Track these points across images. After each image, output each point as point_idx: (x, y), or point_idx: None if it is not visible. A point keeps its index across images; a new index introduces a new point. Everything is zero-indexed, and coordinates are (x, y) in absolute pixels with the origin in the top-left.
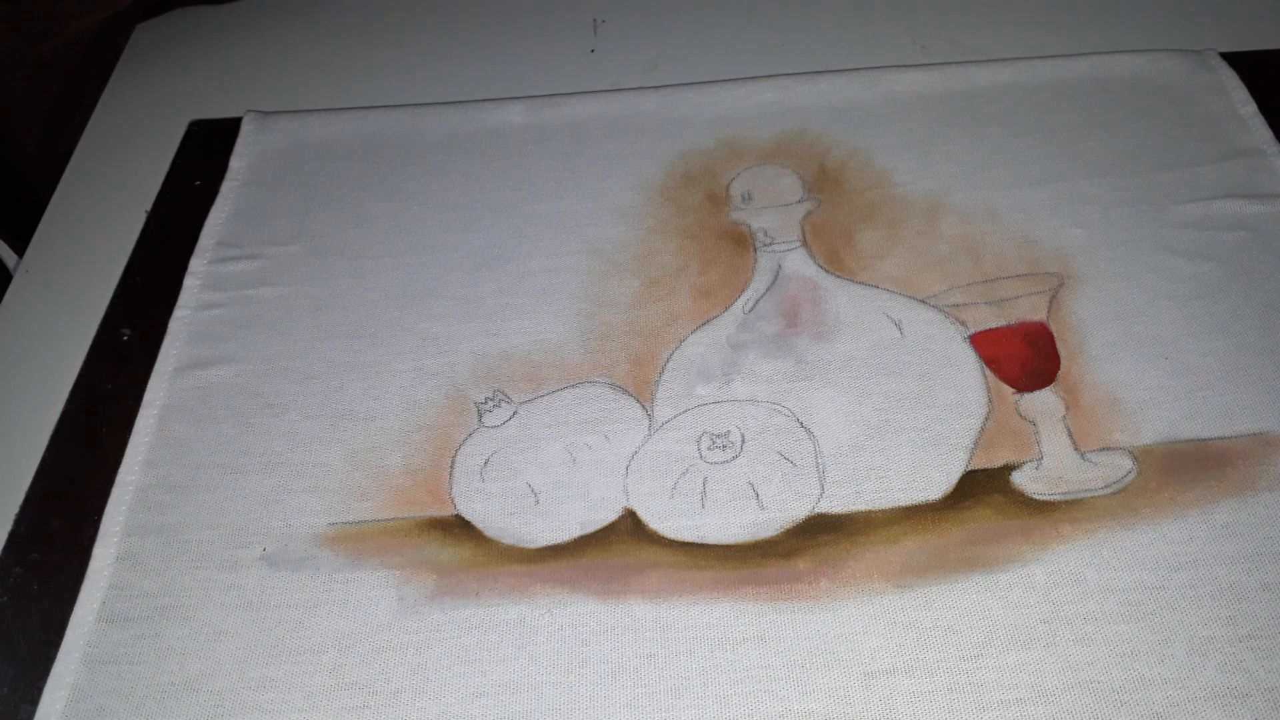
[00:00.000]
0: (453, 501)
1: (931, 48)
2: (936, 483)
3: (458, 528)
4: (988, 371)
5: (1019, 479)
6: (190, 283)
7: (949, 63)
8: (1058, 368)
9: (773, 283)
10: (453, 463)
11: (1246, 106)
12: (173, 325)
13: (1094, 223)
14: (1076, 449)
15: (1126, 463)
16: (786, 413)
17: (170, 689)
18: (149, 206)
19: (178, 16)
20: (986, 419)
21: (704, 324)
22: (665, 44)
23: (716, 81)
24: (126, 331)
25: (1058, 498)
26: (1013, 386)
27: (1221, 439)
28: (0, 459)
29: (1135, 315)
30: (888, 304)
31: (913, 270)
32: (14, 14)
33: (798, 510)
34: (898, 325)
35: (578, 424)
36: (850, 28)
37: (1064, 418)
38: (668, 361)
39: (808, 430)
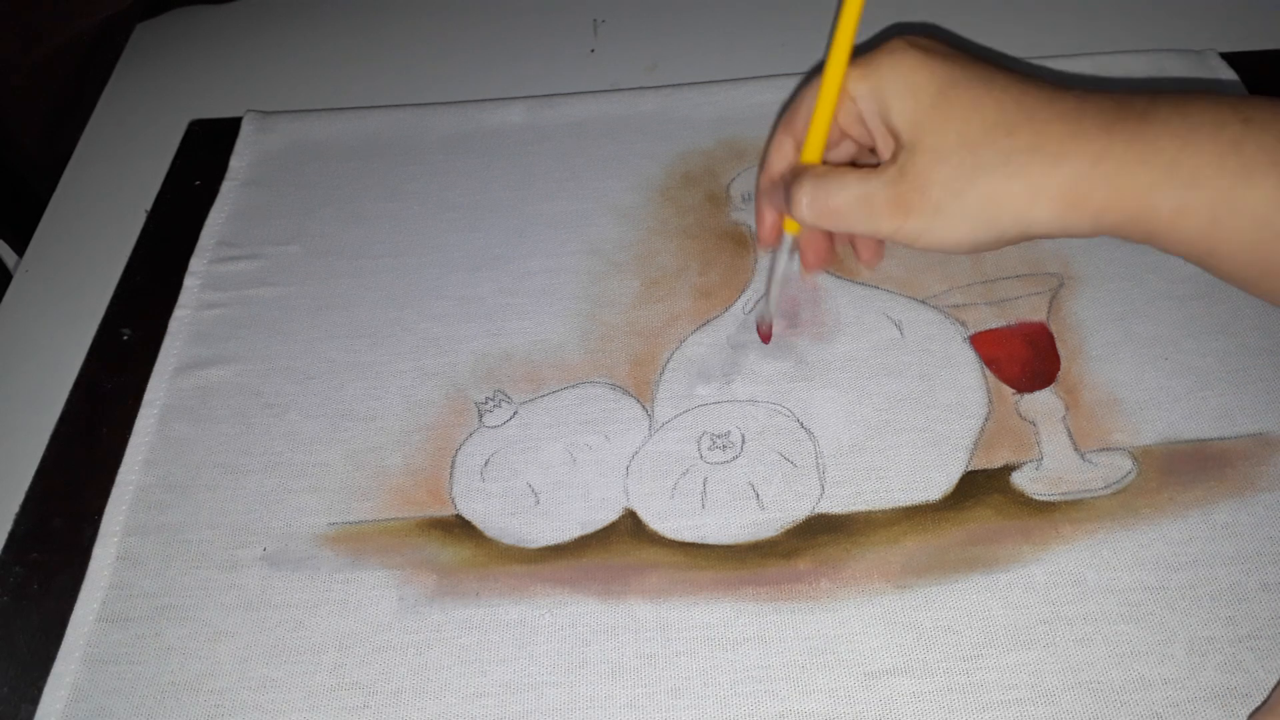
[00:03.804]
0: (453, 501)
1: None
2: (936, 483)
3: (458, 528)
4: (988, 372)
5: (1019, 479)
6: (190, 283)
7: None
8: (1058, 368)
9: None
10: (453, 463)
11: None
12: (173, 325)
13: None
14: (1076, 449)
15: (1126, 463)
16: (787, 413)
17: (170, 689)
18: (149, 206)
19: (178, 16)
20: (986, 419)
21: (704, 324)
22: (665, 44)
23: (716, 81)
24: (126, 331)
25: (1058, 498)
26: (1013, 387)
27: (1221, 439)
28: (0, 459)
29: (1135, 315)
30: (888, 304)
31: (913, 270)
32: (13, 14)
33: (798, 510)
34: (898, 326)
35: (578, 424)
36: None
37: (1064, 418)
38: (668, 362)
39: (808, 430)
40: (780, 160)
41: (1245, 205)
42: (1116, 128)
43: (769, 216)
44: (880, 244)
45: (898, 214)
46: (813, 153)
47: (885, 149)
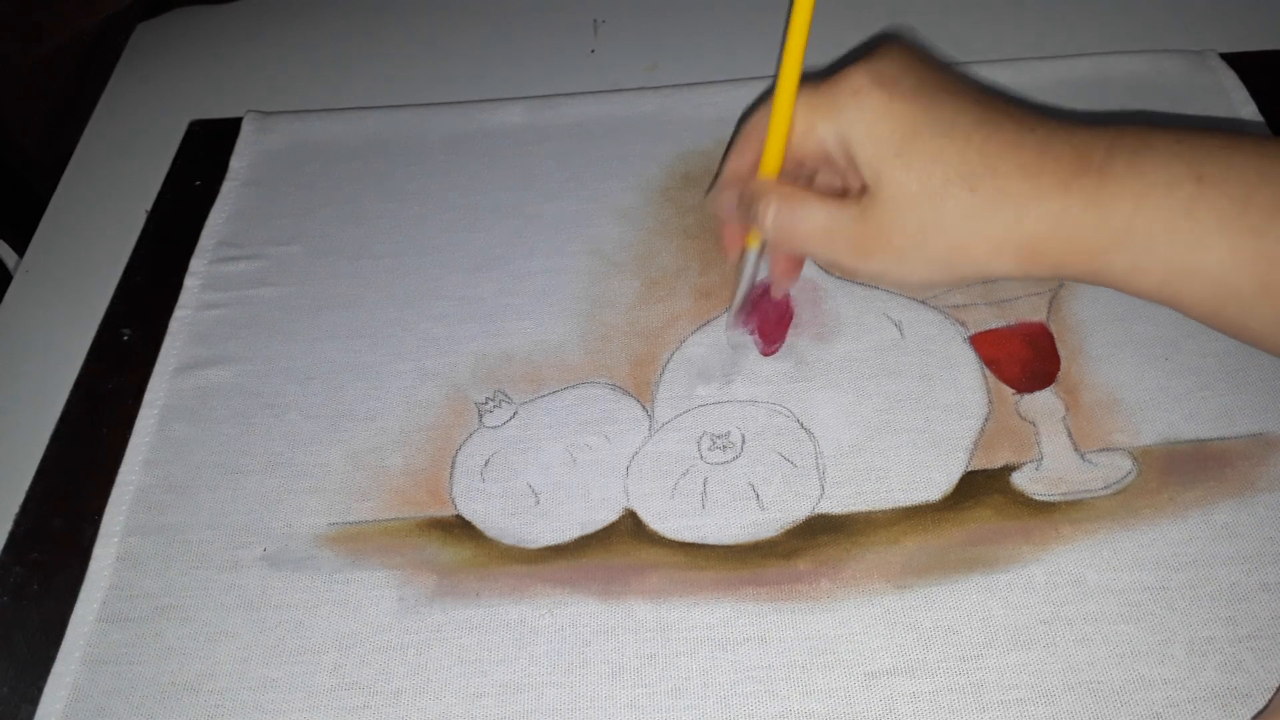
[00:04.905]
0: (453, 502)
1: (932, 48)
2: (937, 483)
3: (458, 528)
4: (988, 372)
5: (1019, 480)
6: (190, 283)
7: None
8: (1058, 368)
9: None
10: (453, 463)
11: (1246, 107)
12: (173, 325)
13: None
14: (1076, 450)
15: (1126, 463)
16: (787, 413)
17: (170, 689)
18: (149, 206)
19: (178, 16)
20: (986, 420)
21: (704, 324)
22: (665, 44)
23: (716, 82)
24: (126, 331)
25: (1058, 498)
26: (1013, 387)
27: (1221, 439)
28: (0, 459)
29: (1135, 316)
30: (888, 305)
31: None
32: (13, 14)
33: (798, 511)
34: (898, 326)
35: (578, 424)
36: (850, 28)
37: (1064, 418)
38: (668, 362)
39: (808, 431)
40: (737, 170)
41: (1197, 270)
42: (1074, 185)
43: (728, 229)
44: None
45: (859, 254)
46: (771, 168)
47: (853, 182)
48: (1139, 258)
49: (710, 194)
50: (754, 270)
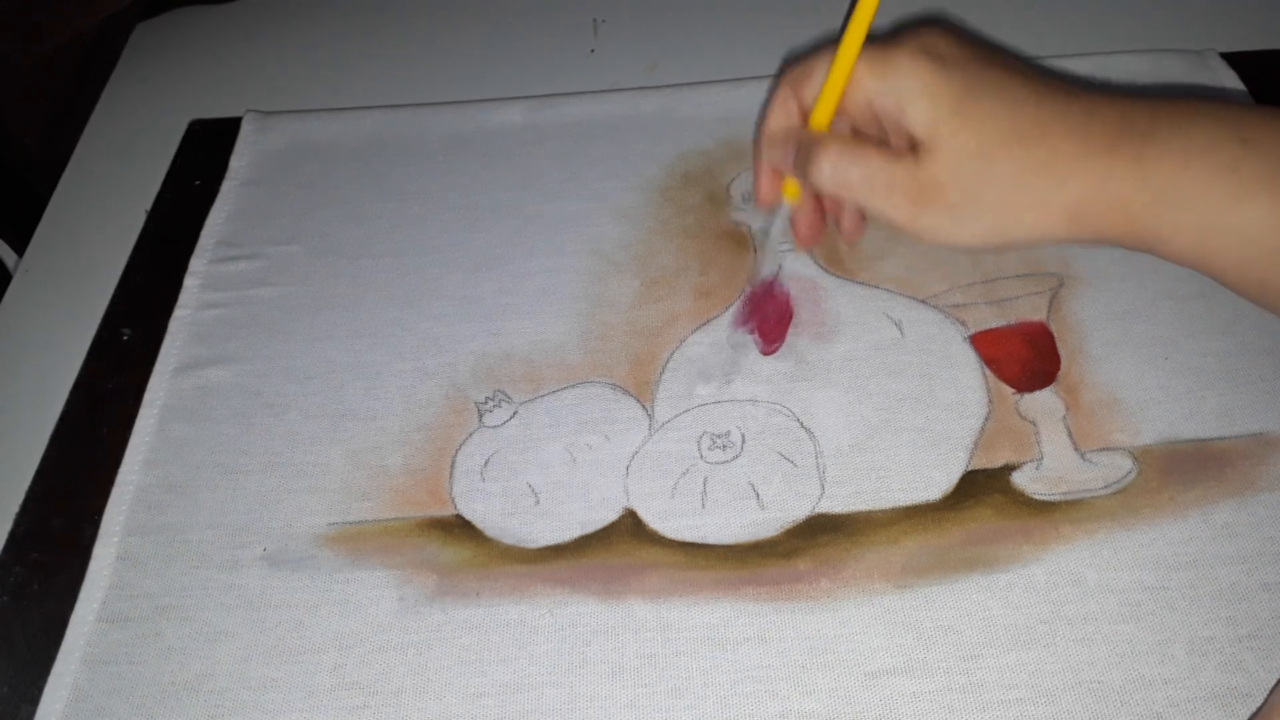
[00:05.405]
0: (453, 501)
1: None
2: (937, 483)
3: (458, 528)
4: (988, 372)
5: (1019, 479)
6: (190, 282)
7: None
8: (1058, 368)
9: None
10: (453, 463)
11: None
12: (173, 325)
13: None
14: (1077, 449)
15: (1126, 463)
16: (787, 413)
17: (170, 689)
18: (149, 206)
19: (178, 16)
20: (987, 419)
21: (704, 324)
22: (665, 44)
23: (716, 81)
24: (126, 331)
25: (1058, 498)
26: (1013, 387)
27: (1221, 439)
28: (0, 459)
29: (1135, 315)
30: (888, 304)
31: (913, 270)
32: (13, 14)
33: (798, 510)
34: (898, 325)
35: (578, 424)
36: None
37: (1064, 418)
38: (668, 362)
39: (808, 430)
40: (783, 120)
41: (1235, 226)
42: (1119, 148)
43: (767, 176)
44: (863, 220)
45: (914, 205)
46: (823, 121)
47: (895, 140)
48: (1178, 216)
49: (756, 142)
50: (785, 225)
